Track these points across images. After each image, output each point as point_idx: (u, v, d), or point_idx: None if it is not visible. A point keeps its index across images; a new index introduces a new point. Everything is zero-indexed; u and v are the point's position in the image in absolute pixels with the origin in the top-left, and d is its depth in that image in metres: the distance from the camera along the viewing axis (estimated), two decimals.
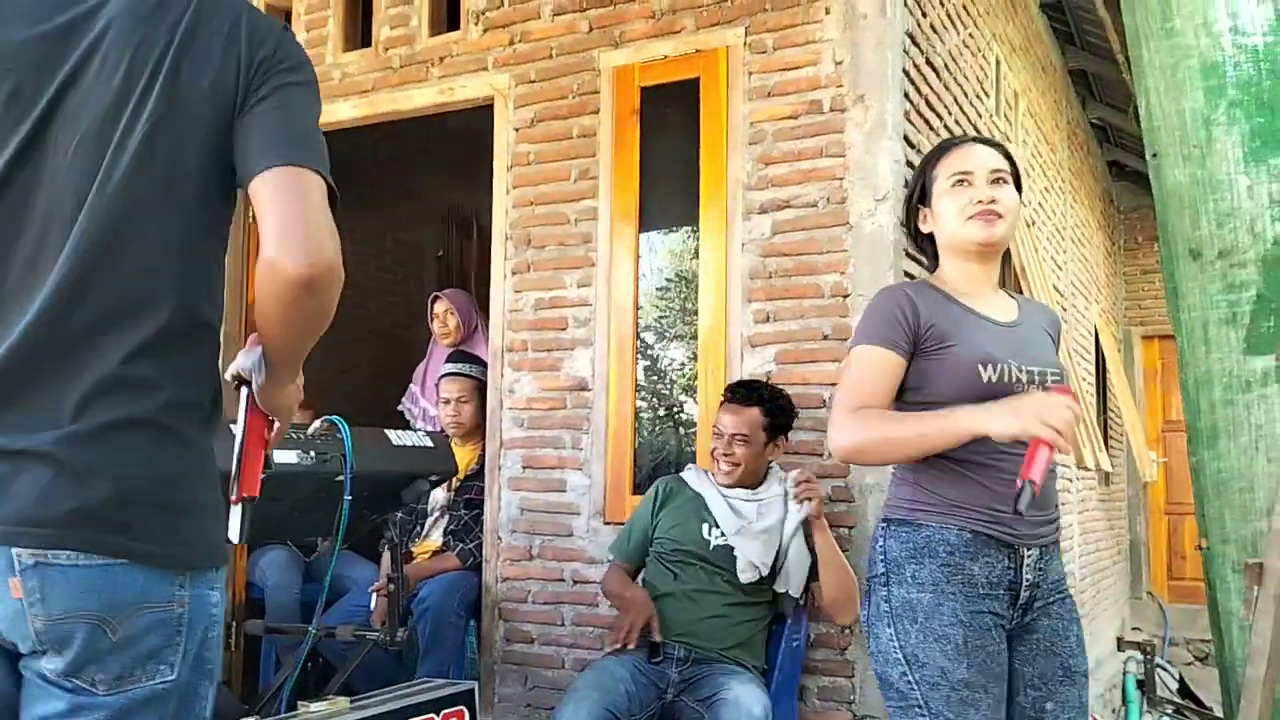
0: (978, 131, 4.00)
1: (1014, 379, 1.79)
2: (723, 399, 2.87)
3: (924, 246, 2.04)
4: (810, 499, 2.70)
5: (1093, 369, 6.80)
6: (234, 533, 1.23)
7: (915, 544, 1.82)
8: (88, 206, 1.10)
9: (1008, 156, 1.95)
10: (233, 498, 1.23)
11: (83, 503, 1.06)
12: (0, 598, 1.06)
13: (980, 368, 1.78)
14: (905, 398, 1.85)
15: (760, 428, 2.77)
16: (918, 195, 1.97)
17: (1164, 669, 5.61)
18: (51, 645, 1.06)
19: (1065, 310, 5.76)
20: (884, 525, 1.91)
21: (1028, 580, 1.82)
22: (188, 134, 1.14)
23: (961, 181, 1.88)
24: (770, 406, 2.79)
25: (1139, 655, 5.27)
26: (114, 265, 1.10)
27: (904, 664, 1.77)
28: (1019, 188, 1.94)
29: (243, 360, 1.23)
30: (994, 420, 1.64)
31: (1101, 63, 6.08)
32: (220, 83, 1.15)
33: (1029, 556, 1.82)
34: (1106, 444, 7.28)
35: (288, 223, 1.10)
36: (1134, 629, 7.43)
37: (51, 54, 1.13)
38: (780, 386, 2.92)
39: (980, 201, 1.85)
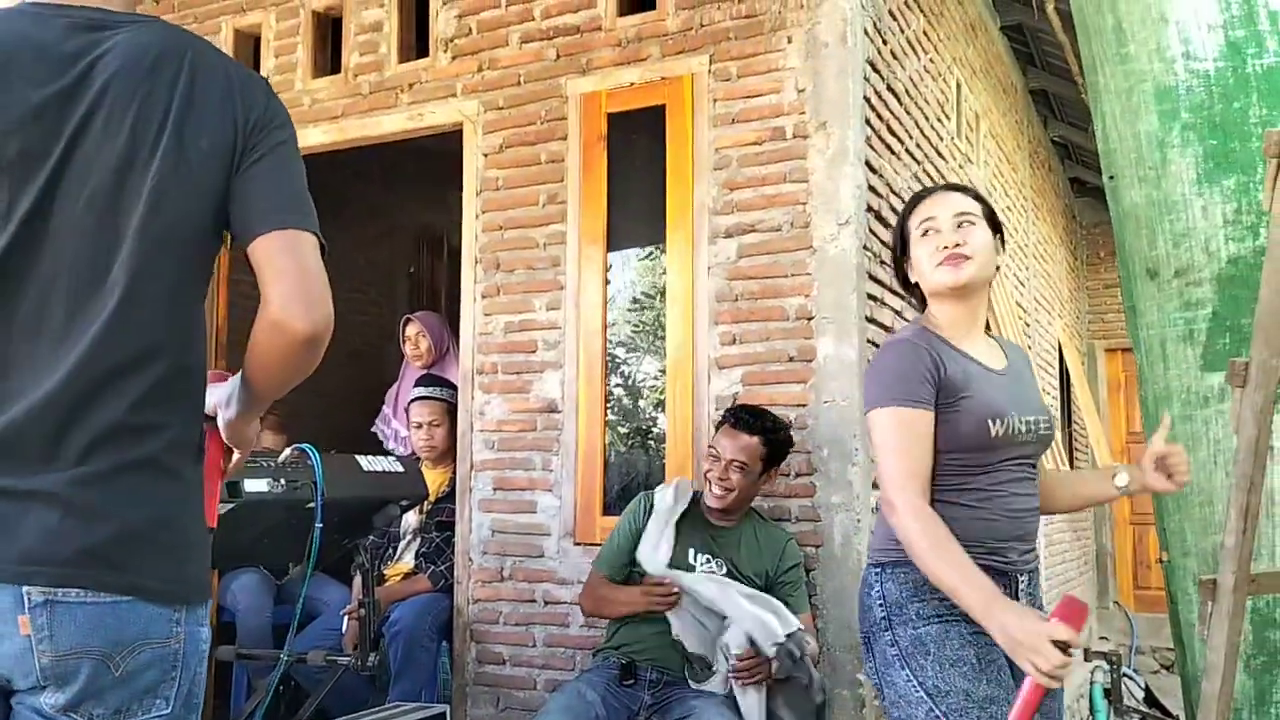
0: (939, 154, 4.08)
1: (1016, 431, 1.84)
2: (723, 422, 2.84)
3: (915, 299, 2.05)
4: (750, 684, 2.59)
5: (1057, 382, 6.90)
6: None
7: (916, 582, 1.81)
8: (99, 268, 1.14)
9: (978, 199, 1.98)
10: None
11: (91, 542, 1.09)
12: (6, 635, 1.08)
13: (990, 423, 1.81)
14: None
15: (759, 457, 2.76)
16: (899, 248, 2.00)
17: (1130, 678, 5.69)
18: (54, 680, 1.09)
19: (1029, 325, 5.86)
20: (877, 570, 1.88)
21: (1021, 603, 1.87)
22: (190, 194, 1.18)
23: (929, 229, 1.90)
24: (770, 438, 2.78)
25: (1105, 665, 5.35)
26: (124, 323, 1.14)
27: (928, 700, 1.75)
28: (997, 228, 1.96)
29: (212, 395, 1.26)
30: (999, 631, 1.59)
31: (1062, 83, 6.20)
32: (218, 143, 1.20)
33: (1024, 582, 1.88)
34: (1071, 457, 7.38)
35: (291, 286, 1.16)
36: (1101, 638, 7.53)
37: (57, 114, 1.15)
38: (781, 418, 2.92)
39: (945, 246, 1.87)
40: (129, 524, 1.12)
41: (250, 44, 4.07)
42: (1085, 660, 5.19)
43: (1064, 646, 1.50)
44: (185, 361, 1.20)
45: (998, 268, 2.00)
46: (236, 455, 1.36)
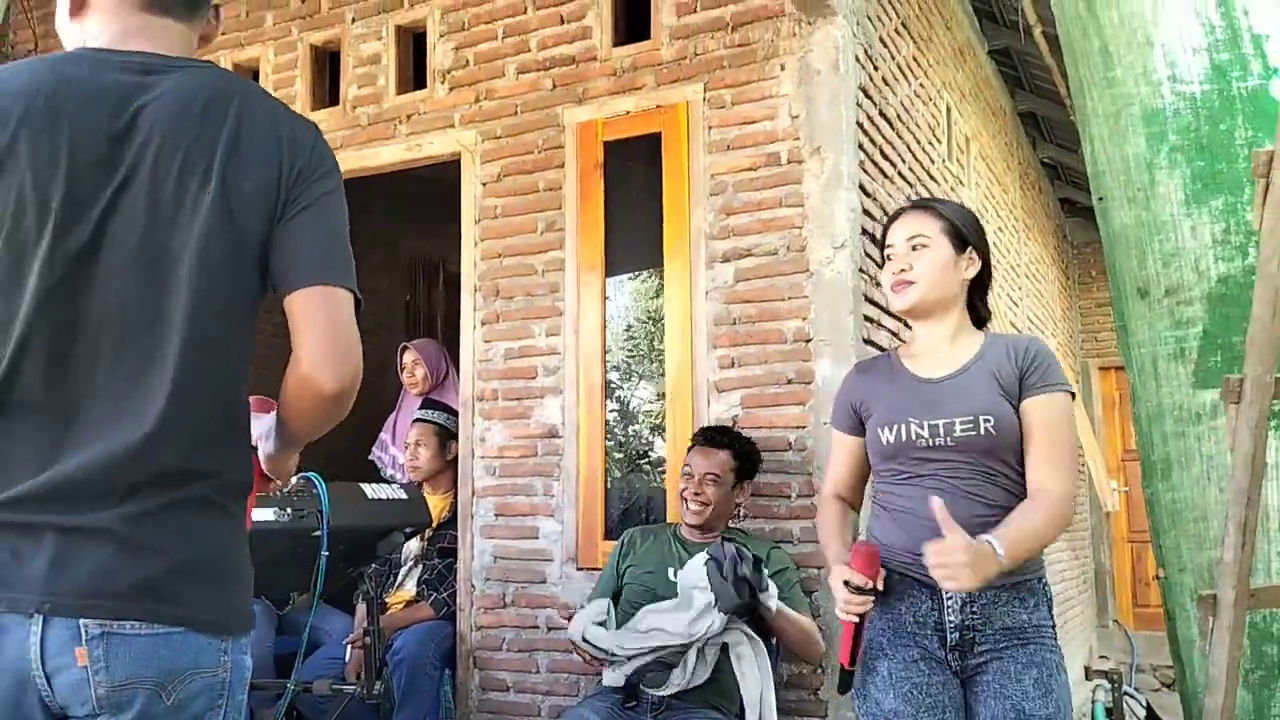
0: (930, 177, 4.13)
1: (911, 437, 1.93)
2: (692, 442, 2.96)
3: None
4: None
5: None
6: None
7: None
8: (149, 315, 1.17)
9: (941, 215, 2.02)
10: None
11: (144, 575, 1.13)
12: (63, 666, 1.12)
13: (880, 430, 1.97)
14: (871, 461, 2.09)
15: (730, 469, 2.86)
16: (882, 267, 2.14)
17: (1132, 696, 5.69)
18: (110, 709, 1.13)
19: None
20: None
21: (953, 622, 1.88)
22: (235, 242, 1.20)
23: (888, 255, 2.05)
24: (739, 450, 2.90)
25: (1106, 684, 5.35)
26: (178, 374, 1.17)
27: (857, 699, 1.96)
28: (964, 240, 2.01)
29: (256, 426, 1.30)
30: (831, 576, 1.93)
31: (1050, 105, 6.28)
32: (262, 189, 1.21)
33: (950, 599, 1.88)
34: None
35: (322, 343, 1.20)
36: (1101, 657, 7.52)
37: (106, 158, 1.17)
38: (747, 433, 2.99)
39: (893, 274, 2.01)
40: (180, 558, 1.15)
41: (249, 78, 4.11)
42: (1086, 679, 5.19)
43: (856, 588, 1.82)
44: (239, 407, 1.24)
45: (984, 283, 2.05)
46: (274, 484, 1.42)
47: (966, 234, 2.03)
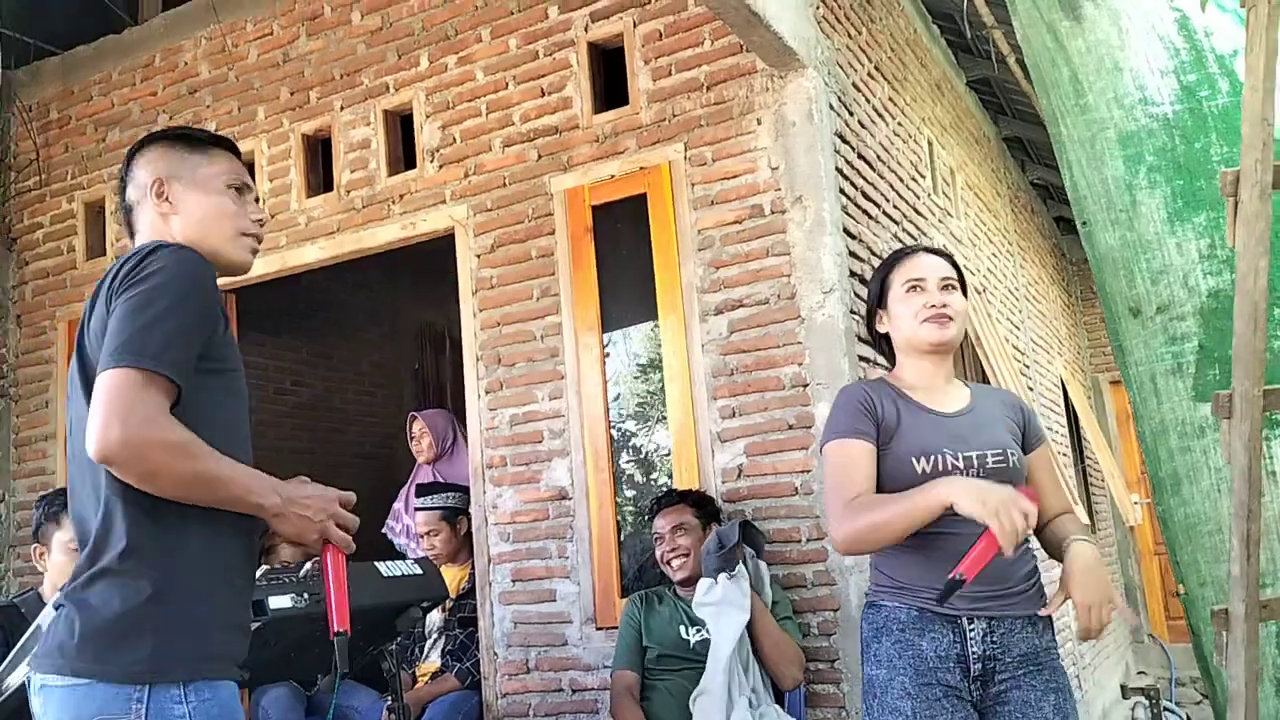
0: (917, 212, 4.20)
1: (948, 467, 1.92)
2: (650, 514, 3.09)
3: (882, 347, 2.18)
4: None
5: (1064, 420, 6.93)
6: (340, 663, 1.58)
7: (876, 624, 1.97)
8: None
9: (954, 265, 2.11)
10: (331, 634, 1.57)
11: (65, 637, 1.40)
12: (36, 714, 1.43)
13: (914, 460, 1.92)
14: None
15: (693, 515, 3.00)
16: (877, 300, 2.12)
17: (1172, 711, 5.63)
18: None
19: (1028, 367, 5.92)
20: (864, 608, 2.05)
21: (975, 653, 1.91)
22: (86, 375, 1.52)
23: (915, 287, 2.04)
24: (694, 499, 3.05)
25: (1144, 700, 5.30)
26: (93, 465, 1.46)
27: None
28: (964, 292, 2.10)
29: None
30: (963, 495, 1.74)
31: (1034, 128, 6.35)
32: (97, 332, 1.47)
33: (973, 630, 1.91)
34: (1088, 493, 7.38)
35: (90, 420, 1.38)
36: (1139, 674, 7.44)
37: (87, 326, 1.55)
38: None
39: (934, 306, 2.01)
40: (92, 621, 1.39)
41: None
42: (1124, 698, 5.14)
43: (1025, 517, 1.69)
44: (100, 494, 1.46)
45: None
46: (286, 529, 1.55)
47: (966, 284, 2.13)
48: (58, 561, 2.58)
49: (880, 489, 1.92)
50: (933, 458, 1.92)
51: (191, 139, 1.69)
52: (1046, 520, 2.03)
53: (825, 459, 1.99)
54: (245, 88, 4.21)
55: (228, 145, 1.73)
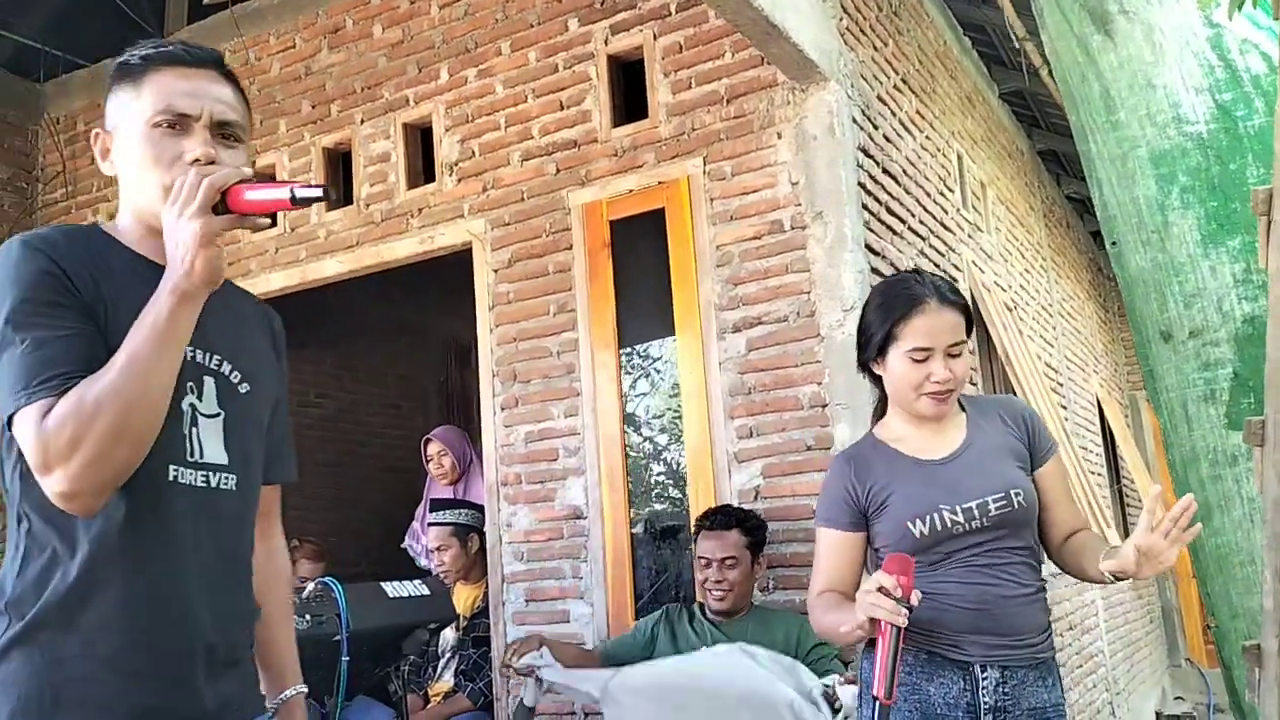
0: (945, 227, 4.11)
1: (948, 525, 1.82)
2: (698, 528, 2.94)
3: (873, 382, 2.02)
4: None
5: (1100, 439, 6.79)
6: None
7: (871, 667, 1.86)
8: None
9: (966, 311, 1.94)
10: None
11: None
12: None
13: (909, 526, 1.83)
14: (881, 554, 1.89)
15: (744, 548, 2.85)
16: (880, 344, 1.92)
17: None
18: None
19: (1061, 385, 5.80)
20: (864, 648, 1.92)
21: (987, 704, 1.81)
22: None
23: (923, 357, 1.87)
24: (747, 526, 2.89)
25: None
26: None
27: None
28: (970, 328, 1.94)
29: None
30: (845, 624, 1.73)
31: (1069, 142, 6.21)
32: None
33: (986, 678, 1.83)
34: (1124, 514, 7.22)
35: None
36: (1177, 699, 7.26)
37: None
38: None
39: (937, 382, 1.86)
40: None
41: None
42: None
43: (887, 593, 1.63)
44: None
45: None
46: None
47: (972, 320, 1.97)
48: None
49: (887, 546, 1.86)
50: (929, 518, 1.83)
51: (126, 67, 1.31)
52: (1062, 537, 1.92)
53: (817, 539, 1.96)
54: (267, 100, 4.21)
55: (169, 58, 1.29)
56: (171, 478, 1.21)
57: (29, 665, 1.15)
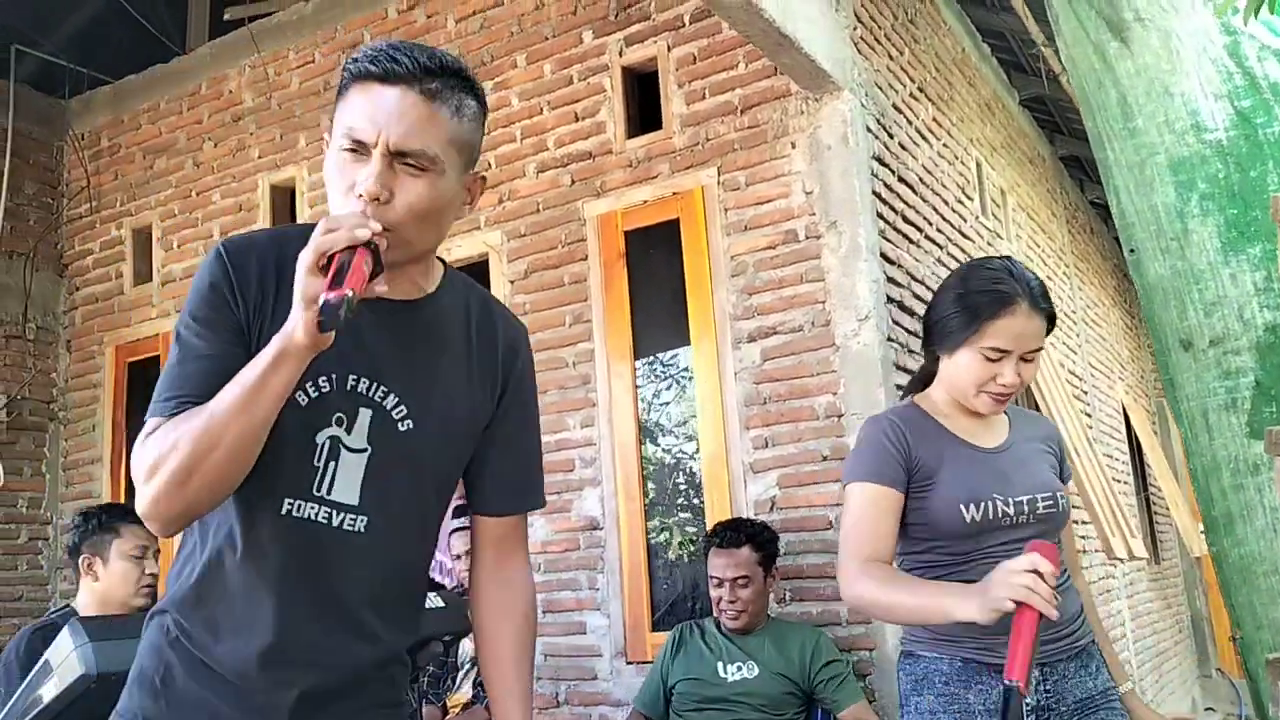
0: (963, 235, 4.09)
1: (999, 515, 1.76)
2: (709, 543, 2.90)
3: (929, 355, 1.93)
4: None
5: (1126, 448, 6.71)
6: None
7: (916, 676, 1.82)
8: None
9: (1051, 316, 1.84)
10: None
11: None
12: None
13: (963, 509, 1.75)
14: (907, 532, 1.80)
15: (756, 564, 2.81)
16: (959, 328, 1.80)
17: None
18: None
19: (1085, 393, 5.74)
20: (900, 657, 1.90)
21: (1029, 704, 1.78)
22: None
23: (998, 357, 1.77)
24: (758, 541, 2.84)
25: None
26: None
27: None
28: (1052, 324, 1.85)
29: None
30: (974, 609, 1.52)
31: (1090, 147, 6.18)
32: None
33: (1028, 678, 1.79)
34: (1151, 522, 7.13)
35: None
36: (1207, 709, 7.16)
37: None
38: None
39: (1003, 384, 1.77)
40: None
41: (286, 197, 4.27)
42: None
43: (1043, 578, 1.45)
44: None
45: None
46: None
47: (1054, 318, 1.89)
48: (119, 569, 2.59)
49: (927, 535, 1.79)
50: (983, 504, 1.75)
51: (342, 76, 1.19)
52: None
53: (847, 497, 1.80)
54: (287, 115, 4.25)
55: (362, 71, 1.15)
56: (285, 510, 1.16)
57: (156, 643, 1.21)
